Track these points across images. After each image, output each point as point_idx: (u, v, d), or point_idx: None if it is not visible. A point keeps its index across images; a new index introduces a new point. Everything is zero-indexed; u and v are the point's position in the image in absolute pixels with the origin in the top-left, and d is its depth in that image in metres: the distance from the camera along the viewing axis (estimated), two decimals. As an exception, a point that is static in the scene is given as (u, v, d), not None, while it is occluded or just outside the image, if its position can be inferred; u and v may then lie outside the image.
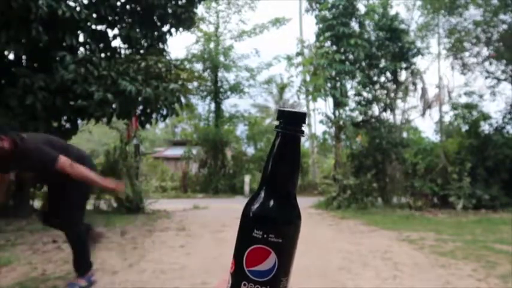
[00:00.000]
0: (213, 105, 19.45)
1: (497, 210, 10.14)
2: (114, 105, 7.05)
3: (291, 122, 0.49)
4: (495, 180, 10.84)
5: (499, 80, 13.45)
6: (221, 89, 19.38)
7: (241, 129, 21.18)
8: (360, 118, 12.21)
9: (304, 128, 0.50)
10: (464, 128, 11.95)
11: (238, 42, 20.91)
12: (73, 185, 3.25)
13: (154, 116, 8.24)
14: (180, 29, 8.83)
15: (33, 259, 4.70)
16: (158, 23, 8.51)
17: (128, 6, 8.19)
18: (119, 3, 7.98)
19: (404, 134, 13.59)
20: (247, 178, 16.88)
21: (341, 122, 11.91)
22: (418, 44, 13.38)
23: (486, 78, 13.51)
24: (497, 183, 10.80)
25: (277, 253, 0.47)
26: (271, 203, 0.49)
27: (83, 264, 3.55)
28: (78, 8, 6.93)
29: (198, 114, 19.72)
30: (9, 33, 6.25)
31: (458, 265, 4.68)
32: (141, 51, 8.26)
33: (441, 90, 12.88)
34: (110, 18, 8.01)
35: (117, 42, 8.29)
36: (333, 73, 11.58)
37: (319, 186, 13.65)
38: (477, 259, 4.94)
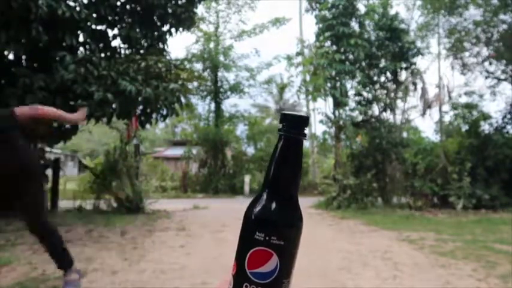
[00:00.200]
0: (213, 105, 19.45)
1: (497, 210, 10.14)
2: (114, 105, 7.04)
3: (294, 125, 0.50)
4: (495, 180, 10.85)
5: (499, 80, 13.46)
6: (221, 89, 19.37)
7: (241, 129, 21.23)
8: (360, 118, 12.21)
9: (306, 131, 0.50)
10: (464, 127, 11.96)
11: (238, 42, 20.95)
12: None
13: (154, 116, 8.23)
14: (180, 29, 8.81)
15: (33, 259, 4.70)
16: (158, 23, 8.50)
17: (127, 6, 8.18)
18: (118, 3, 7.97)
19: (404, 134, 13.59)
20: (247, 178, 16.88)
21: (341, 122, 11.91)
22: (418, 43, 13.40)
23: (486, 78, 13.55)
24: (497, 183, 10.80)
25: (279, 255, 0.47)
26: (274, 205, 0.49)
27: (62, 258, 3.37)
28: (78, 8, 6.92)
29: (198, 114, 19.71)
30: (9, 33, 6.24)
31: (458, 265, 4.69)
32: (141, 51, 8.24)
33: (441, 90, 12.86)
34: (109, 18, 7.99)
35: (117, 42, 8.28)
36: (333, 73, 11.58)
37: (319, 186, 13.65)
38: (477, 259, 4.94)
